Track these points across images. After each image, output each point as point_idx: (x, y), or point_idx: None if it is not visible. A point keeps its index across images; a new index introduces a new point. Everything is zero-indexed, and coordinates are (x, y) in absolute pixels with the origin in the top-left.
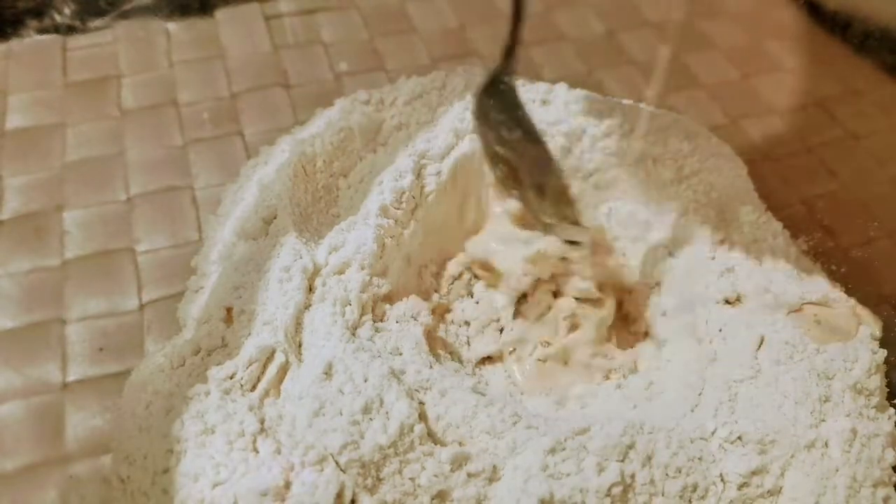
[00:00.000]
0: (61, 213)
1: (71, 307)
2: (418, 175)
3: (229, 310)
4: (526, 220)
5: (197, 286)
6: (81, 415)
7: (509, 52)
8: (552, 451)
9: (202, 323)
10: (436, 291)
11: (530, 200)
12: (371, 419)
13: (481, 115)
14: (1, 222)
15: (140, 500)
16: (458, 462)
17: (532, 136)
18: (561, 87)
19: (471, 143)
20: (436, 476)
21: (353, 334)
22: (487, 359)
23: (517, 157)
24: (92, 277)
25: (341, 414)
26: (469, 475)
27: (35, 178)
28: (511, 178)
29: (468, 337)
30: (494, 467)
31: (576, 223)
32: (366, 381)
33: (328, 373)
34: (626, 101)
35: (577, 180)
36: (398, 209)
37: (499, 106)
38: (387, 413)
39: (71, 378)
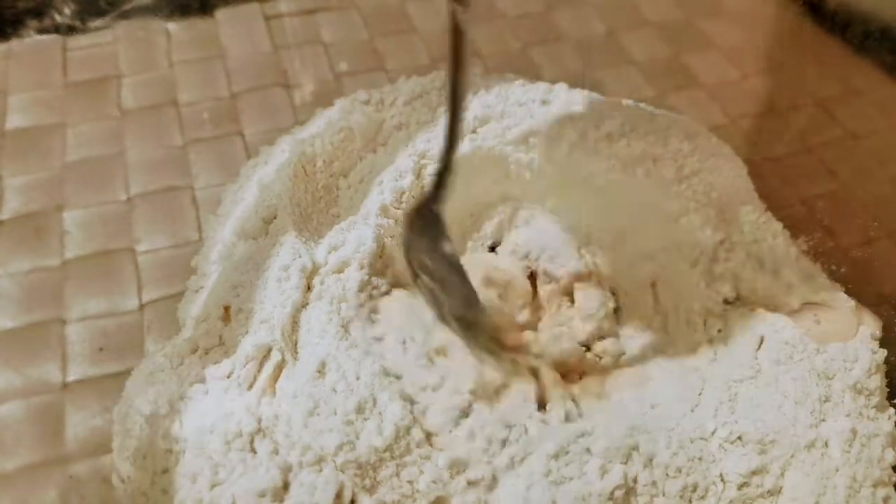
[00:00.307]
0: (61, 213)
1: (71, 307)
2: (418, 175)
3: (227, 308)
4: None
5: (197, 286)
6: (81, 415)
7: (441, 178)
8: (555, 456)
9: (200, 322)
10: None
11: (455, 330)
12: (365, 419)
13: (410, 237)
14: (1, 222)
15: (140, 500)
16: (457, 467)
17: (455, 271)
18: (561, 87)
19: (471, 143)
20: (434, 482)
21: (348, 332)
22: None
23: (440, 287)
24: (92, 277)
25: (335, 413)
26: (468, 482)
27: (35, 178)
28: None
29: None
30: (494, 473)
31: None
32: (358, 379)
33: (321, 371)
34: (626, 101)
35: (577, 181)
36: (398, 209)
37: (425, 233)
38: (380, 414)
39: (71, 378)
